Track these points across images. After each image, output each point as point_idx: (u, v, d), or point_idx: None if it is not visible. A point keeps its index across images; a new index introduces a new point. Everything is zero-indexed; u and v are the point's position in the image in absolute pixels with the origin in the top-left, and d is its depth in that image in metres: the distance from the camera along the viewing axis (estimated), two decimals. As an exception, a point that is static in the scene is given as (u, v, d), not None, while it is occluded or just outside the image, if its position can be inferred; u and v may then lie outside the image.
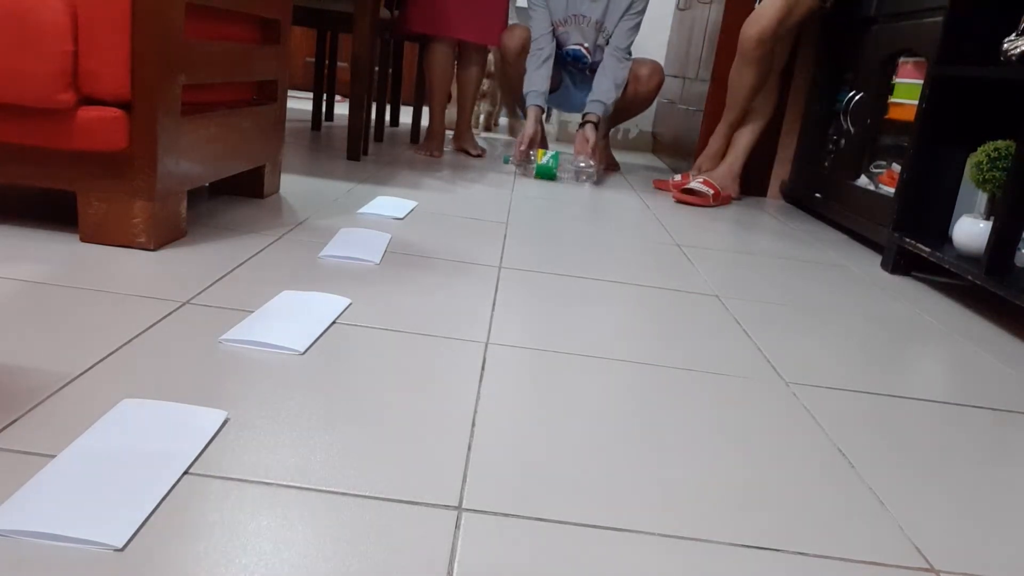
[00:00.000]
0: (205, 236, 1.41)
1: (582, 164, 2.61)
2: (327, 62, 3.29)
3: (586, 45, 2.88)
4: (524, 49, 2.89)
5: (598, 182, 2.58)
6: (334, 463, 0.71)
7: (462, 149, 3.15)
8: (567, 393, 0.93)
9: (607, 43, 2.85)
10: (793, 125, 2.79)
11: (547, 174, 2.64)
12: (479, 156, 3.09)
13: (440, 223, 1.79)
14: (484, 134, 4.17)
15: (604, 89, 2.84)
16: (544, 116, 2.96)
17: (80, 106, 1.19)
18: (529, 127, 2.82)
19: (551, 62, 2.87)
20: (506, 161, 2.46)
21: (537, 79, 2.85)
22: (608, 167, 3.15)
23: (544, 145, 3.00)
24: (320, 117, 3.30)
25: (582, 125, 2.84)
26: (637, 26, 2.85)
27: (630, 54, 2.88)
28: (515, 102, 3.12)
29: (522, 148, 2.79)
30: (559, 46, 2.89)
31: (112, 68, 1.19)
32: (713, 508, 0.71)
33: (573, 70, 3.00)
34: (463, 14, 2.86)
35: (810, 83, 2.70)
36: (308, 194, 1.93)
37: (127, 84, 1.20)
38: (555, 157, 2.60)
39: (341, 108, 4.15)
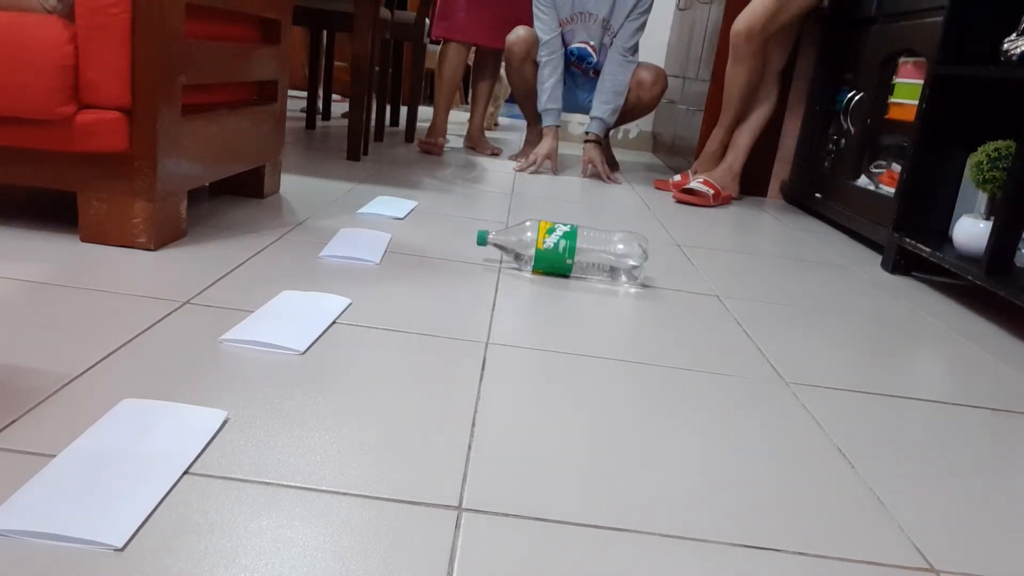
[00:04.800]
0: (205, 236, 1.41)
1: (620, 248, 1.40)
2: (323, 61, 3.29)
3: (592, 43, 2.88)
4: (529, 52, 2.89)
5: (639, 277, 1.42)
6: (334, 463, 0.71)
7: (476, 150, 3.23)
8: (567, 393, 0.93)
9: (612, 43, 2.85)
10: (793, 125, 2.79)
11: (555, 272, 1.43)
12: (495, 155, 3.19)
13: (440, 223, 1.79)
14: (486, 133, 4.17)
15: (604, 102, 2.86)
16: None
17: (80, 110, 1.19)
18: (545, 146, 2.86)
19: (562, 69, 2.88)
20: (482, 241, 1.42)
21: (555, 95, 2.87)
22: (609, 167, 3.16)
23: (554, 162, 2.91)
24: (315, 117, 3.30)
25: (585, 142, 2.90)
26: (643, 26, 2.86)
27: (635, 54, 2.88)
28: (522, 102, 3.14)
29: (535, 166, 2.83)
30: (564, 44, 2.90)
31: (112, 77, 1.19)
32: (713, 508, 0.71)
33: (576, 70, 3.00)
34: (482, 20, 2.96)
35: (810, 83, 2.70)
36: (308, 194, 1.93)
37: (127, 92, 1.20)
38: (566, 254, 1.39)
39: (337, 108, 4.14)
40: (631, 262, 1.41)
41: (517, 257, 1.41)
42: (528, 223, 1.41)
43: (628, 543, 0.64)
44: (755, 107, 2.65)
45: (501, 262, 1.42)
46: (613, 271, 1.42)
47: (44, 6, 1.18)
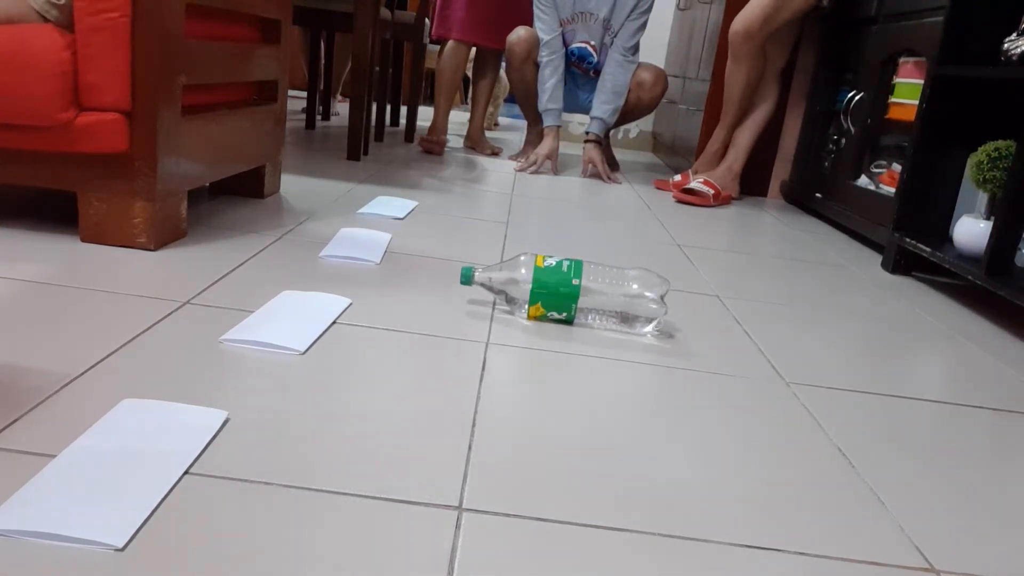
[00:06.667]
0: (205, 236, 1.41)
1: (635, 288, 1.17)
2: (323, 62, 3.29)
3: (592, 43, 2.88)
4: (530, 53, 2.89)
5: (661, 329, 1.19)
6: (334, 463, 0.71)
7: (476, 150, 3.23)
8: (567, 393, 0.93)
9: (612, 43, 2.86)
10: (793, 125, 2.79)
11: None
12: (495, 155, 3.19)
13: (440, 223, 1.79)
14: (486, 133, 4.18)
15: (604, 102, 2.86)
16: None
17: (80, 113, 1.19)
18: (546, 146, 2.87)
19: (563, 69, 2.89)
20: (466, 280, 1.20)
21: (555, 95, 2.88)
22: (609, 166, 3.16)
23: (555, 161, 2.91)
24: (315, 117, 3.30)
25: (585, 142, 2.90)
26: (643, 26, 2.86)
27: (636, 54, 2.88)
28: (522, 103, 3.14)
29: (536, 166, 2.83)
30: (564, 44, 2.90)
31: (112, 80, 1.19)
32: (713, 508, 0.71)
33: (577, 71, 3.00)
34: (482, 20, 2.97)
35: (810, 83, 2.70)
36: (308, 194, 1.93)
37: (127, 93, 1.20)
38: (566, 315, 1.17)
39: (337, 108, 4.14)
40: (647, 311, 1.17)
41: (509, 300, 1.20)
42: (523, 258, 1.20)
43: (628, 543, 0.64)
44: (755, 107, 2.65)
45: (495, 306, 1.23)
46: (624, 317, 1.19)
47: (42, 15, 1.18)
